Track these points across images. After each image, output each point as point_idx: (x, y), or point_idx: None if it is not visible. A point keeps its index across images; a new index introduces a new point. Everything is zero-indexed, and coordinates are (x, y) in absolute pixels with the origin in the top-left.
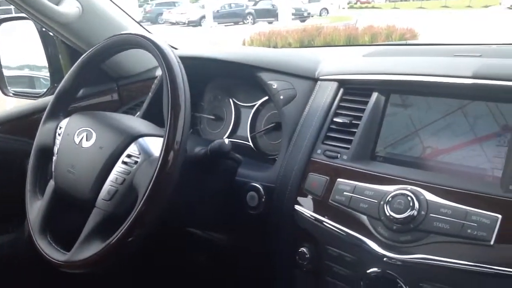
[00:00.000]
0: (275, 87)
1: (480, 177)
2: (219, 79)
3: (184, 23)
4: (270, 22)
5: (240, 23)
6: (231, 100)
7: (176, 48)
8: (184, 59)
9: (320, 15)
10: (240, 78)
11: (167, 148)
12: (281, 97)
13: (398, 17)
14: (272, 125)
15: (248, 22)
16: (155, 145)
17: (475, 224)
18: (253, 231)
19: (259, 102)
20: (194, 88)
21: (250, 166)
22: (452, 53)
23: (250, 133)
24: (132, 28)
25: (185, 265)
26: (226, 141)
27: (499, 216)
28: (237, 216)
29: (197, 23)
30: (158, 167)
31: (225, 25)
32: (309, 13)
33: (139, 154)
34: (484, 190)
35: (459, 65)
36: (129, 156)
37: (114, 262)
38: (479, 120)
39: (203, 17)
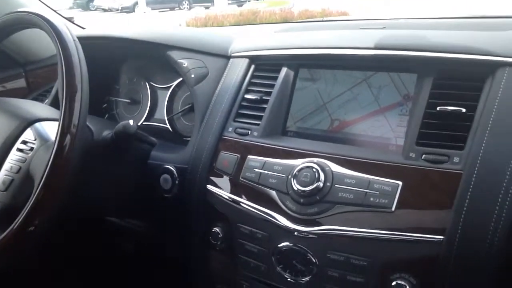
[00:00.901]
0: (185, 65)
1: (384, 146)
2: (133, 61)
3: (117, 10)
4: (206, 7)
5: (176, 8)
6: (146, 83)
7: (83, 28)
8: (92, 39)
9: None
10: (154, 58)
11: (63, 131)
12: (192, 75)
13: (335, 1)
14: (189, 106)
15: (184, 8)
16: (52, 129)
17: (377, 192)
18: (170, 214)
19: (175, 83)
20: (107, 70)
21: (165, 149)
22: (359, 26)
23: (167, 115)
24: (33, 7)
25: (113, 256)
26: (131, 122)
27: (400, 183)
28: (152, 200)
29: (130, 9)
30: (53, 152)
31: (160, 11)
32: None
33: (35, 140)
34: (386, 158)
35: (363, 37)
36: (24, 142)
37: (18, 254)
38: (382, 91)
39: (137, 3)
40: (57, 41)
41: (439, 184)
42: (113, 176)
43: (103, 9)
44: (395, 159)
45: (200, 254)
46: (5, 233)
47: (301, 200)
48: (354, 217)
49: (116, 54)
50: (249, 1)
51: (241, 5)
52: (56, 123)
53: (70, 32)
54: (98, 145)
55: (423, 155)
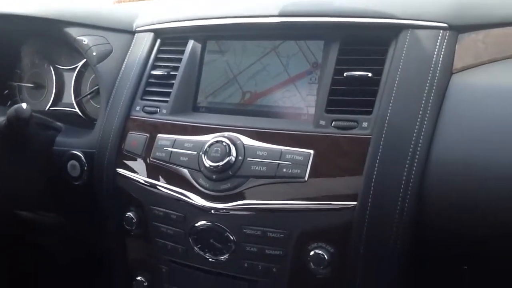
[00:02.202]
0: (85, 42)
1: (296, 116)
2: (32, 41)
3: None
4: None
5: None
6: (50, 65)
7: None
8: None
9: None
10: (54, 37)
11: None
12: (94, 53)
13: None
14: (96, 87)
15: None
16: None
17: (290, 163)
18: (81, 202)
19: (80, 63)
20: (4, 53)
21: (71, 134)
22: None
23: (75, 98)
24: None
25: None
26: (24, 105)
27: (311, 151)
28: (62, 189)
29: None
30: None
31: None
32: None
33: None
34: (298, 128)
35: (269, 4)
36: None
37: None
38: (291, 60)
39: None
40: None
41: (349, 150)
42: (15, 166)
43: None
44: (306, 128)
45: (116, 242)
46: None
47: (214, 176)
48: (268, 190)
49: (12, 34)
50: None
51: None
52: None
53: None
54: None
55: (333, 122)
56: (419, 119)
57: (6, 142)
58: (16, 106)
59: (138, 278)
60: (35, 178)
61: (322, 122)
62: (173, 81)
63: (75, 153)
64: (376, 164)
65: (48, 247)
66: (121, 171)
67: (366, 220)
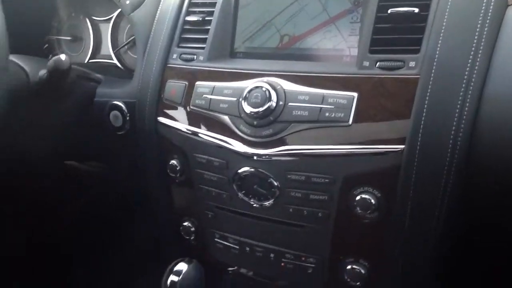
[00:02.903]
0: None
1: (337, 58)
2: None
3: None
4: None
5: None
6: (86, 17)
7: None
8: None
9: None
10: None
11: None
12: (127, 2)
13: None
14: (133, 37)
15: None
16: None
17: (332, 107)
18: (125, 152)
19: (115, 14)
20: (41, 7)
21: (112, 84)
22: None
23: (113, 49)
24: None
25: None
26: (63, 56)
27: (355, 94)
28: (106, 139)
29: None
30: None
31: None
32: None
33: None
34: (340, 70)
35: None
36: None
37: None
38: None
39: None
40: None
41: (395, 92)
42: (59, 118)
43: None
44: (349, 70)
45: (162, 190)
46: None
47: (255, 123)
48: (310, 135)
49: None
50: None
51: None
52: None
53: None
54: (35, 87)
55: (378, 63)
56: (471, 56)
57: (49, 94)
58: (55, 57)
59: (185, 223)
60: (78, 129)
61: (366, 63)
62: (209, 27)
63: (117, 104)
64: (425, 106)
65: (95, 196)
66: (162, 119)
67: (415, 164)
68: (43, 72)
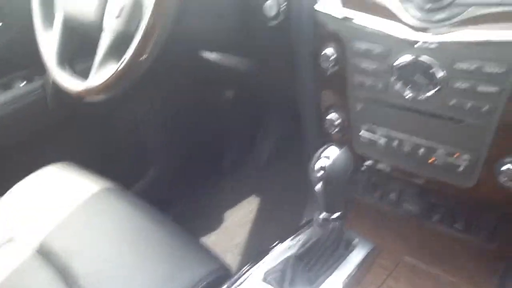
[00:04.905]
0: None
1: None
2: None
3: None
4: None
5: None
6: None
7: None
8: None
9: None
10: None
11: None
12: None
13: None
14: None
15: None
16: None
17: None
18: (274, 45)
19: None
20: None
21: None
22: None
23: None
24: None
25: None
26: None
27: None
28: (256, 30)
29: None
30: None
31: None
32: None
33: None
34: None
35: None
36: None
37: (130, 83)
38: None
39: None
40: None
41: None
42: (215, 3)
43: None
44: None
45: (311, 82)
46: (122, 59)
47: (427, 6)
48: (491, 20)
49: None
50: None
51: None
52: None
53: None
54: None
55: None
56: None
57: None
58: None
59: (330, 116)
60: (232, 16)
61: None
62: None
63: None
64: None
65: (233, 92)
66: (320, 7)
67: None
68: None
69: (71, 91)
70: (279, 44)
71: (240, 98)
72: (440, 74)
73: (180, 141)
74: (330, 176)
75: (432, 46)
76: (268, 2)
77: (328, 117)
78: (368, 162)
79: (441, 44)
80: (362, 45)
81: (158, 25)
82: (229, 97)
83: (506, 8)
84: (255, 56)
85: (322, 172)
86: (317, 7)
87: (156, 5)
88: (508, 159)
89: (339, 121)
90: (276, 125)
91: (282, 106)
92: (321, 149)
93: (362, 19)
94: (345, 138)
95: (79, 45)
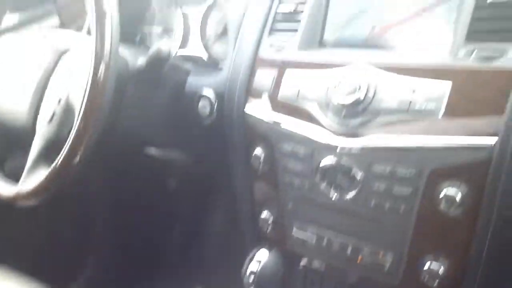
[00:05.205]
0: None
1: (430, 48)
2: None
3: None
4: None
5: None
6: (178, 7)
7: None
8: None
9: None
10: None
11: (97, 59)
12: None
13: None
14: (223, 28)
15: None
16: (87, 58)
17: (423, 98)
18: (209, 142)
19: (206, 6)
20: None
21: (201, 75)
22: None
23: (202, 40)
24: None
25: (155, 193)
26: (163, 45)
27: (448, 85)
28: (191, 129)
29: None
30: (90, 81)
31: None
32: None
33: (70, 70)
34: (433, 60)
35: None
36: (60, 73)
37: (62, 186)
38: None
39: None
40: None
41: (491, 84)
42: (151, 105)
43: None
44: (442, 60)
45: (242, 180)
46: (54, 164)
47: (343, 113)
48: (399, 126)
49: None
50: None
51: None
52: (90, 52)
53: None
54: (134, 74)
55: (473, 53)
56: None
57: (143, 81)
58: (157, 48)
59: (263, 214)
60: (167, 116)
61: (461, 53)
62: (300, 16)
63: (206, 94)
64: None
65: (173, 184)
66: (249, 109)
67: (506, 160)
68: (141, 60)
69: (1, 196)
70: (215, 141)
71: (183, 188)
72: (359, 176)
73: (121, 233)
74: (261, 280)
75: (351, 150)
76: (201, 102)
77: (262, 216)
78: (303, 261)
79: (358, 149)
80: (289, 148)
81: (89, 129)
82: (172, 186)
83: (412, 116)
84: (193, 151)
85: (252, 276)
86: (247, 110)
87: (86, 110)
88: (428, 258)
89: (271, 219)
90: (219, 219)
91: (222, 201)
92: (252, 253)
93: (288, 123)
94: (279, 237)
95: (9, 147)
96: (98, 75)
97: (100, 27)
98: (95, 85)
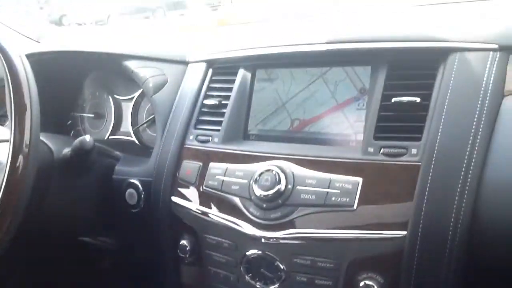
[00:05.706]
0: (143, 74)
1: (344, 143)
2: (93, 74)
3: (91, 23)
4: (181, 14)
5: (150, 17)
6: (109, 96)
7: (38, 42)
8: (48, 54)
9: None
10: (114, 70)
11: (15, 153)
12: (150, 84)
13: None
14: (152, 116)
15: (159, 15)
16: (5, 150)
17: (338, 191)
18: (138, 229)
19: (137, 93)
20: (68, 85)
21: (130, 162)
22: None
23: (132, 127)
24: None
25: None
26: (88, 137)
27: (360, 179)
28: (120, 216)
29: (104, 22)
30: (6, 174)
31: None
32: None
33: None
34: (346, 155)
35: (316, 32)
36: None
37: None
38: (339, 86)
39: (110, 15)
40: (1, 58)
41: (398, 178)
42: (78, 194)
43: (77, 23)
44: (354, 156)
45: (170, 268)
46: None
47: (264, 205)
48: (317, 219)
49: (76, 68)
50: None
51: (215, 9)
52: (6, 144)
53: (16, 48)
54: (59, 164)
55: (382, 149)
56: (469, 145)
57: (70, 171)
58: (80, 138)
59: None
60: (95, 205)
61: (371, 149)
62: (225, 110)
63: (133, 182)
64: (426, 192)
65: (104, 268)
66: (176, 199)
67: (416, 249)
68: (67, 150)
69: None
70: (144, 229)
71: (116, 270)
72: (282, 267)
73: None
74: None
75: (272, 241)
76: (129, 191)
77: None
78: None
79: (280, 240)
80: (213, 239)
81: (7, 221)
82: (106, 268)
83: (329, 209)
84: (123, 238)
85: None
86: (174, 198)
87: (2, 202)
88: None
89: None
90: None
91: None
92: None
93: (213, 214)
94: None
95: None
96: (16, 168)
97: (19, 120)
98: (13, 178)
